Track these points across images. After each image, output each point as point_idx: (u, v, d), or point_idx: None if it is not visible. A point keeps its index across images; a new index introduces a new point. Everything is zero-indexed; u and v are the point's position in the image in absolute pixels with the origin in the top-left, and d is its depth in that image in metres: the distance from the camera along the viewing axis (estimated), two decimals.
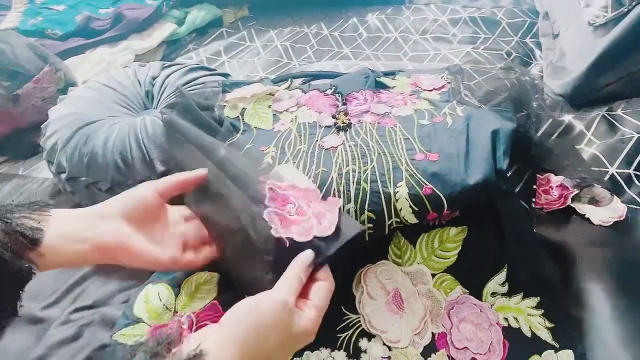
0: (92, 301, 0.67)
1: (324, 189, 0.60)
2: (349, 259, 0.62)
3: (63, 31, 1.34)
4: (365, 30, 1.35)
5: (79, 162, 0.77)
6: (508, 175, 0.72)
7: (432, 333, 0.58)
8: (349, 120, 0.73)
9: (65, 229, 0.43)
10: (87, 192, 0.79)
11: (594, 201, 0.70)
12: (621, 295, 0.59)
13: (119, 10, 1.37)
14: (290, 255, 0.47)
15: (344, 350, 0.58)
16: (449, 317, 0.59)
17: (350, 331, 0.59)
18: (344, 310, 0.60)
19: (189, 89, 0.89)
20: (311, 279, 0.46)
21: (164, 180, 0.54)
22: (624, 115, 0.82)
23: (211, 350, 0.35)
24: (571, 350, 0.55)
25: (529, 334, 0.57)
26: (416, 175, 0.61)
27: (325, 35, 1.36)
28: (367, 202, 0.59)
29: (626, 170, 0.74)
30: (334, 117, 0.75)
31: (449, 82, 0.83)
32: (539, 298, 0.59)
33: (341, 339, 0.58)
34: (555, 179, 0.72)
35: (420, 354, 0.57)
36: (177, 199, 0.57)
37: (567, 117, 0.85)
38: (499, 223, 0.63)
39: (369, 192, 0.60)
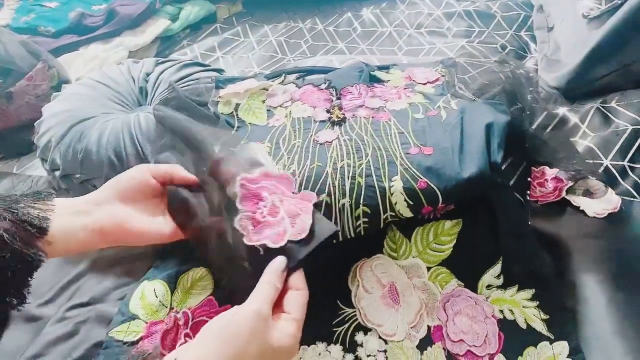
0: (88, 298, 0.67)
1: (319, 184, 0.60)
2: (343, 253, 0.62)
3: (56, 28, 1.33)
4: (359, 25, 1.35)
5: (73, 159, 0.77)
6: (502, 168, 0.72)
7: (428, 326, 0.58)
8: (344, 114, 0.73)
9: (68, 217, 0.45)
10: (81, 189, 0.79)
11: (588, 193, 0.70)
12: (615, 287, 0.60)
13: (112, 6, 1.35)
14: (265, 261, 0.47)
15: (340, 344, 0.58)
16: (445, 310, 0.59)
17: (346, 325, 0.59)
18: (340, 304, 0.60)
19: (182, 85, 0.89)
20: (286, 286, 0.45)
21: (160, 167, 0.55)
22: (618, 108, 0.82)
23: None
24: (566, 342, 0.55)
25: (524, 326, 0.57)
26: (411, 169, 0.61)
27: (320, 30, 1.35)
28: (362, 196, 0.59)
29: (620, 162, 0.74)
30: (328, 111, 0.74)
31: (443, 76, 0.82)
32: (533, 290, 0.60)
33: (337, 332, 0.58)
34: (550, 172, 0.73)
35: (416, 347, 0.57)
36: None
37: (562, 110, 0.85)
38: (494, 216, 0.63)
39: (364, 186, 0.60)
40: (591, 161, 0.75)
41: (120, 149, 0.76)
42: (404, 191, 0.59)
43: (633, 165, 0.74)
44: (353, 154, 0.64)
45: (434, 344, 0.57)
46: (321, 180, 0.60)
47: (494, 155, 0.62)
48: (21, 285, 0.40)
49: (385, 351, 0.57)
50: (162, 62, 0.97)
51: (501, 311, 0.59)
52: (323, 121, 0.73)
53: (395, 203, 0.59)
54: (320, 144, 0.67)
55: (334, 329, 0.59)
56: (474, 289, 0.61)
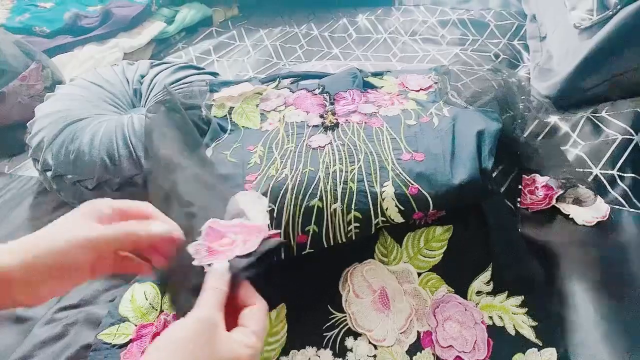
0: (77, 300, 0.67)
1: (311, 188, 0.60)
2: (334, 258, 0.62)
3: (50, 28, 1.33)
4: (355, 31, 1.35)
5: (65, 160, 0.77)
6: (493, 175, 0.73)
7: (418, 332, 0.58)
8: (337, 119, 0.73)
9: None
10: (73, 190, 0.79)
11: (578, 201, 0.71)
12: (604, 295, 0.60)
13: (107, 8, 1.36)
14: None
15: (330, 349, 0.58)
16: (435, 315, 0.59)
17: (337, 330, 0.59)
18: (330, 309, 0.60)
19: (176, 87, 0.89)
20: (240, 306, 0.41)
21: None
22: (609, 117, 0.83)
23: None
24: (554, 349, 0.56)
25: (513, 332, 0.58)
26: (402, 174, 0.61)
27: (315, 35, 1.36)
28: (353, 201, 0.59)
29: (610, 171, 0.75)
30: (321, 116, 0.75)
31: (436, 83, 0.83)
32: (523, 297, 0.60)
33: (327, 337, 0.58)
34: (541, 180, 0.73)
35: (406, 352, 0.57)
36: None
37: (553, 119, 0.86)
38: (485, 222, 0.64)
39: (355, 191, 0.60)
40: (581, 170, 0.76)
41: (113, 150, 0.76)
42: (395, 197, 0.59)
43: (622, 174, 0.74)
44: (345, 159, 0.64)
45: (424, 349, 0.57)
46: (313, 185, 0.60)
47: (485, 162, 0.63)
48: None
49: (375, 356, 0.57)
50: (157, 65, 0.97)
51: (490, 317, 0.59)
52: (316, 126, 0.73)
53: (387, 208, 0.59)
54: (313, 148, 0.68)
55: (324, 334, 0.59)
56: (464, 295, 0.61)
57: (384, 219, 0.59)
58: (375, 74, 0.88)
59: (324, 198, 0.59)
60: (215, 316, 0.37)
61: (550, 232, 0.69)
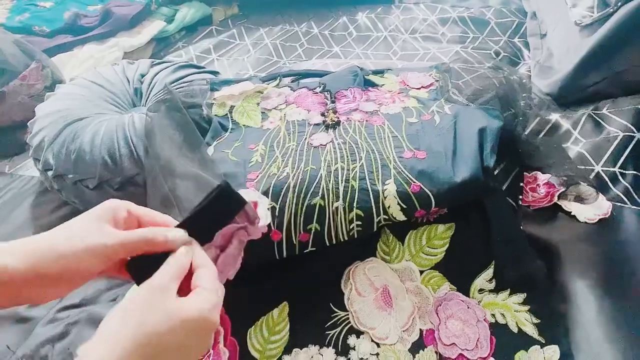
0: (79, 300, 0.67)
1: (313, 186, 0.60)
2: (336, 256, 0.62)
3: (50, 28, 1.33)
4: (355, 29, 1.35)
5: (66, 160, 0.77)
6: (495, 172, 0.73)
7: (420, 329, 0.58)
8: (338, 118, 0.73)
9: None
10: (74, 190, 0.79)
11: (579, 199, 0.71)
12: (606, 292, 0.60)
13: (107, 7, 1.35)
14: None
15: (333, 347, 0.58)
16: (437, 313, 0.59)
17: (339, 328, 0.59)
18: (333, 308, 0.60)
19: (177, 86, 0.89)
20: (191, 272, 0.39)
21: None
22: (610, 115, 0.83)
23: None
24: (557, 346, 0.56)
25: (515, 330, 0.58)
26: (404, 172, 0.61)
27: (315, 33, 1.36)
28: (355, 199, 0.59)
29: (611, 169, 0.75)
30: (322, 115, 0.75)
31: (437, 81, 0.83)
32: (525, 294, 0.60)
33: (330, 335, 0.58)
34: (542, 177, 0.73)
35: (409, 350, 0.57)
36: None
37: (554, 116, 0.86)
38: (487, 220, 0.64)
39: (357, 189, 0.60)
40: (583, 167, 0.76)
41: (114, 149, 0.76)
42: (397, 195, 0.59)
43: (624, 171, 0.74)
44: (347, 157, 0.64)
45: (426, 347, 0.57)
46: (315, 183, 0.60)
47: (487, 160, 0.63)
48: None
49: (377, 354, 0.57)
50: (157, 64, 0.97)
51: (493, 315, 0.59)
52: (317, 124, 0.73)
53: (389, 206, 0.59)
54: (315, 147, 0.68)
55: (327, 332, 0.59)
56: (466, 292, 0.61)
57: (386, 217, 0.59)
58: (376, 72, 0.88)
59: (326, 196, 0.59)
60: (168, 284, 0.35)
61: (552, 230, 0.69)
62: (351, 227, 0.59)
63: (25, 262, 0.34)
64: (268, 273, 0.63)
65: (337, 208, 0.59)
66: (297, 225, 0.59)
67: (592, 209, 0.69)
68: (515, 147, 0.75)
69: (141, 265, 0.37)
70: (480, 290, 0.61)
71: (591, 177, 0.74)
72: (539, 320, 0.58)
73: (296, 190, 0.60)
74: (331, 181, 0.61)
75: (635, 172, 0.74)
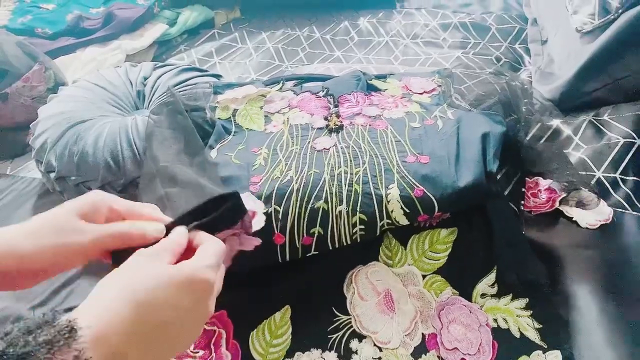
0: (80, 302, 0.66)
1: (316, 190, 0.60)
2: (339, 260, 0.62)
3: (53, 30, 1.33)
4: (356, 34, 1.36)
5: (69, 161, 0.77)
6: (497, 177, 0.73)
7: (423, 334, 0.59)
8: (341, 122, 0.74)
9: None
10: (76, 192, 0.79)
11: (581, 204, 0.71)
12: (607, 297, 0.61)
13: (110, 9, 1.36)
14: None
15: (335, 351, 0.58)
16: (440, 318, 0.59)
17: (341, 332, 0.59)
18: (335, 311, 0.60)
19: (180, 89, 0.89)
20: (194, 250, 0.38)
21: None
22: (610, 121, 0.83)
23: (90, 325, 0.28)
24: (559, 351, 0.56)
25: (517, 335, 0.58)
26: (407, 177, 0.61)
27: (317, 38, 1.36)
28: (359, 203, 0.60)
29: (612, 175, 0.75)
30: (326, 119, 0.75)
31: (439, 86, 0.83)
32: (527, 299, 0.60)
33: (332, 339, 0.58)
34: (544, 183, 0.73)
35: (411, 354, 0.57)
36: None
37: (555, 122, 0.87)
38: (489, 225, 0.64)
39: (360, 193, 0.60)
40: (584, 173, 0.76)
41: (117, 151, 0.76)
42: (400, 199, 0.59)
43: (624, 177, 0.75)
44: (350, 161, 0.65)
45: (429, 351, 0.57)
46: (318, 187, 0.61)
47: (490, 165, 0.63)
48: None
49: (380, 358, 0.57)
50: (160, 67, 0.97)
51: (495, 320, 0.59)
52: (321, 128, 0.73)
53: (392, 211, 0.59)
54: (318, 150, 0.68)
55: (329, 336, 0.59)
56: (468, 297, 0.61)
57: (389, 221, 0.59)
58: (378, 77, 0.88)
59: (329, 200, 0.60)
60: (158, 252, 0.35)
61: (554, 235, 0.69)
62: (354, 231, 0.60)
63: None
64: (271, 276, 0.63)
65: (340, 212, 0.59)
66: (301, 229, 0.59)
67: (593, 215, 0.70)
68: (517, 153, 0.76)
69: (126, 256, 0.37)
70: (483, 295, 0.61)
71: (592, 182, 0.74)
72: (541, 325, 0.58)
73: (299, 194, 0.60)
74: (334, 185, 0.61)
75: (636, 178, 0.74)
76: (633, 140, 0.78)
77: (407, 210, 0.59)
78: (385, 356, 0.57)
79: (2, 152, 1.04)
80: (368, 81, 0.86)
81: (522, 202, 0.73)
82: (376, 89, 0.85)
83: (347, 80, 0.85)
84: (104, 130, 0.78)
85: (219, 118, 0.79)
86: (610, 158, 0.77)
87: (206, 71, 1.00)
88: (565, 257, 0.66)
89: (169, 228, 0.39)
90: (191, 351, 0.57)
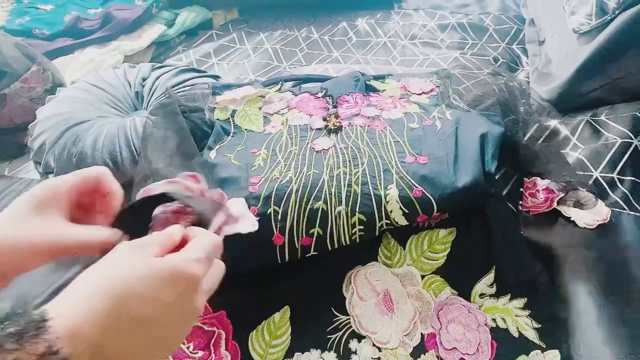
0: None
1: (316, 191, 0.60)
2: (338, 260, 0.63)
3: (50, 31, 1.33)
4: (354, 35, 1.36)
5: (67, 162, 0.77)
6: (496, 178, 0.73)
7: (422, 334, 0.59)
8: (340, 123, 0.74)
9: None
10: None
11: (579, 204, 0.71)
12: (605, 296, 0.61)
13: (108, 10, 1.36)
14: None
15: (334, 352, 0.58)
16: (438, 318, 0.60)
17: (341, 332, 0.59)
18: (334, 312, 0.61)
19: (179, 90, 0.89)
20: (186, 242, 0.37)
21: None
22: (608, 121, 0.84)
23: (62, 314, 0.27)
24: (557, 350, 0.56)
25: (516, 335, 0.58)
26: (406, 177, 0.61)
27: (315, 38, 1.36)
28: (358, 204, 0.60)
29: (610, 175, 0.75)
30: (324, 119, 0.75)
31: (437, 86, 0.84)
32: (526, 299, 0.60)
33: (331, 340, 0.59)
34: (542, 183, 0.74)
35: (410, 354, 0.57)
36: None
37: (553, 122, 0.87)
38: (487, 225, 0.64)
39: (359, 194, 0.60)
40: (581, 173, 0.76)
41: (115, 152, 0.76)
42: (399, 199, 0.59)
43: (622, 177, 0.75)
44: (349, 162, 0.65)
45: (428, 351, 0.57)
46: (317, 188, 0.61)
47: (488, 165, 0.63)
48: None
49: (379, 359, 0.57)
50: (159, 67, 0.97)
51: (494, 319, 0.59)
52: (319, 129, 0.74)
53: (391, 211, 0.59)
54: (317, 151, 0.68)
55: (329, 336, 0.59)
56: (467, 297, 0.61)
57: (388, 221, 0.60)
58: (377, 78, 0.89)
59: (328, 201, 0.60)
60: (143, 246, 0.33)
61: (552, 235, 0.69)
62: (353, 231, 0.60)
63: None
64: (270, 277, 0.63)
65: (339, 212, 0.59)
66: (300, 230, 0.59)
67: (591, 215, 0.70)
68: (515, 153, 0.76)
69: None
70: (481, 295, 0.61)
71: (590, 183, 0.75)
72: (540, 325, 0.58)
73: (299, 194, 0.60)
74: (334, 186, 0.61)
75: (633, 178, 0.75)
76: (630, 141, 0.78)
77: (406, 211, 0.59)
78: (384, 356, 0.57)
79: (1, 154, 1.04)
80: (366, 82, 0.86)
81: (521, 202, 0.73)
82: (375, 90, 0.85)
83: (346, 81, 0.85)
84: (102, 131, 0.78)
85: (217, 119, 0.79)
86: (607, 158, 0.77)
87: (204, 72, 1.00)
88: (563, 257, 0.66)
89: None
90: (191, 352, 0.57)
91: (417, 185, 0.60)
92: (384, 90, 0.84)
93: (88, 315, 0.27)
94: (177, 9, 1.48)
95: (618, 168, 0.76)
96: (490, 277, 0.62)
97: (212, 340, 0.58)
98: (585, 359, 0.56)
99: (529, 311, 0.60)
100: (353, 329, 0.59)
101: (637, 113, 0.82)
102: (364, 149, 0.67)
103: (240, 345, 0.58)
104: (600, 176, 0.76)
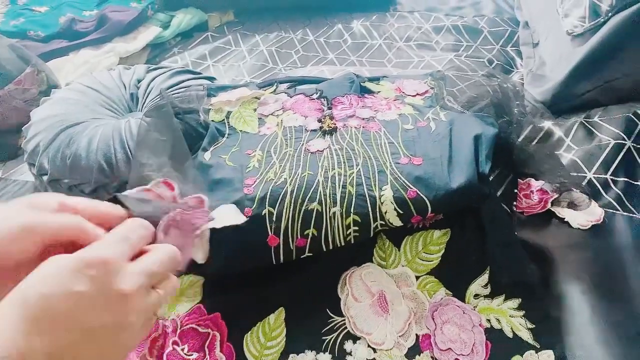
0: None
1: (310, 192, 0.60)
2: (332, 261, 0.63)
3: (45, 33, 1.33)
4: (350, 37, 1.36)
5: (61, 164, 0.77)
6: (490, 179, 0.74)
7: (416, 335, 0.59)
8: (335, 124, 0.74)
9: None
10: (69, 195, 0.78)
11: (572, 205, 0.72)
12: (599, 296, 0.61)
13: (103, 12, 1.36)
14: None
15: (329, 353, 0.58)
16: (433, 318, 0.60)
17: (336, 334, 0.59)
18: (329, 313, 0.61)
19: (174, 92, 0.89)
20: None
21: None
22: (601, 122, 0.84)
23: None
24: (551, 351, 0.56)
25: (510, 335, 0.58)
26: (401, 178, 0.62)
27: (311, 40, 1.37)
28: (352, 205, 0.60)
29: (603, 175, 0.76)
30: (319, 121, 0.75)
31: (432, 88, 0.84)
32: (520, 300, 0.61)
33: (326, 341, 0.59)
34: (536, 184, 0.74)
35: (405, 355, 0.57)
36: None
37: (547, 124, 0.87)
38: (481, 226, 0.64)
39: (354, 195, 0.60)
40: (575, 174, 0.77)
41: (110, 154, 0.76)
42: (394, 200, 0.59)
43: (615, 178, 0.75)
44: (344, 163, 0.65)
45: (422, 352, 0.57)
46: (312, 189, 0.61)
47: (482, 166, 0.64)
48: None
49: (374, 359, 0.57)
50: (154, 69, 0.97)
51: (488, 320, 0.60)
52: (314, 130, 0.74)
53: (386, 212, 0.59)
54: (312, 152, 0.68)
55: (323, 338, 0.59)
56: (461, 298, 0.61)
57: (383, 222, 0.60)
58: (372, 79, 0.89)
59: (323, 202, 0.60)
60: (89, 255, 0.31)
61: (546, 236, 0.70)
62: (348, 232, 0.60)
63: None
64: (265, 278, 0.63)
65: (334, 213, 0.59)
66: (295, 231, 0.59)
67: (584, 215, 0.70)
68: (509, 154, 0.76)
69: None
70: (476, 296, 0.61)
71: (583, 183, 0.75)
72: (534, 325, 0.59)
73: (294, 195, 0.60)
74: (328, 187, 0.61)
75: (626, 179, 0.75)
76: (623, 142, 0.79)
77: (401, 212, 0.59)
78: (379, 357, 0.57)
79: None
80: (361, 83, 0.86)
81: (515, 203, 0.73)
82: (369, 91, 0.85)
83: (341, 83, 0.85)
84: (97, 133, 0.78)
85: (212, 120, 0.79)
86: (601, 159, 0.78)
87: (200, 74, 1.00)
88: (557, 258, 0.66)
89: None
90: (185, 354, 0.57)
91: (411, 186, 0.60)
92: (379, 91, 0.85)
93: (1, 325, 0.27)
94: (173, 10, 1.47)
95: (611, 169, 0.77)
96: (484, 277, 0.62)
97: (207, 342, 0.58)
98: (579, 359, 0.56)
99: (523, 311, 0.60)
100: (348, 330, 0.59)
101: (630, 114, 0.83)
102: (359, 150, 0.67)
103: (235, 347, 0.58)
104: (594, 177, 0.76)
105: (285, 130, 0.75)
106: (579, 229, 0.69)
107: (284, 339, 0.59)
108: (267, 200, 0.60)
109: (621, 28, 0.84)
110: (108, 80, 0.93)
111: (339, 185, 0.61)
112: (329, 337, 0.59)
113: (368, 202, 0.60)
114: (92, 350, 0.30)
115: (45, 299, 0.28)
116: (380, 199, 0.60)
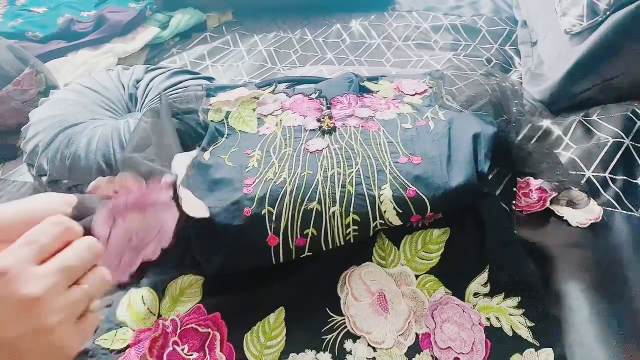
0: None
1: (310, 191, 0.61)
2: (332, 261, 0.63)
3: (44, 33, 1.32)
4: (348, 36, 1.36)
5: (60, 165, 0.77)
6: (489, 178, 0.74)
7: (416, 333, 0.59)
8: (334, 123, 0.74)
9: None
10: None
11: (571, 204, 0.72)
12: (598, 295, 0.61)
13: (101, 13, 1.35)
14: None
15: (329, 352, 0.58)
16: (433, 317, 0.60)
17: (335, 333, 0.59)
18: (329, 312, 0.61)
19: (172, 92, 0.89)
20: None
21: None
22: (600, 121, 0.85)
23: None
24: (551, 349, 0.56)
25: (510, 333, 0.58)
26: (400, 177, 0.62)
27: (309, 40, 1.37)
28: (352, 204, 0.60)
29: (602, 174, 0.76)
30: (318, 120, 0.75)
31: (431, 87, 0.84)
32: (519, 298, 0.61)
33: (326, 340, 0.59)
34: (535, 182, 0.74)
35: (405, 354, 0.57)
36: None
37: (546, 122, 0.88)
38: (481, 225, 0.65)
39: (353, 194, 0.61)
40: (574, 172, 0.77)
41: (109, 155, 0.76)
42: (393, 199, 0.60)
43: (614, 176, 0.76)
44: (343, 162, 0.65)
45: (422, 351, 0.57)
46: (312, 188, 0.61)
47: (481, 165, 0.64)
48: None
49: (374, 359, 0.57)
50: (152, 69, 0.97)
51: (488, 319, 0.60)
52: (313, 130, 0.74)
53: (385, 211, 0.60)
54: (311, 152, 0.68)
55: (323, 337, 0.59)
56: (461, 296, 0.61)
57: (382, 221, 0.60)
58: (370, 79, 0.89)
59: (323, 201, 0.60)
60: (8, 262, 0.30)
61: (545, 234, 0.70)
62: (347, 231, 0.60)
63: None
64: (264, 278, 0.63)
65: (333, 213, 0.60)
66: (294, 230, 0.59)
67: (583, 214, 0.71)
68: (508, 153, 0.76)
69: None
70: (475, 294, 0.62)
71: (582, 182, 0.75)
72: (533, 324, 0.59)
73: (293, 195, 0.60)
74: (328, 186, 0.61)
75: (625, 178, 0.76)
76: (622, 140, 0.79)
77: (400, 211, 0.60)
78: (379, 356, 0.57)
79: None
80: (360, 83, 0.86)
81: (514, 201, 0.74)
82: (368, 91, 0.85)
83: (340, 82, 0.85)
84: (96, 134, 0.78)
85: (211, 120, 0.79)
86: (599, 158, 0.78)
87: (198, 74, 1.00)
88: (556, 256, 0.67)
89: None
90: (185, 354, 0.57)
91: (410, 185, 0.61)
92: (378, 91, 0.85)
93: None
94: (171, 11, 1.47)
95: (610, 167, 0.77)
96: (484, 276, 0.62)
97: (207, 342, 0.58)
98: (578, 357, 0.56)
99: (523, 310, 0.60)
100: (348, 329, 0.59)
101: (629, 113, 0.83)
102: (358, 149, 0.67)
103: (235, 347, 0.58)
104: (593, 175, 0.76)
105: (285, 130, 0.75)
106: (577, 227, 0.69)
107: (284, 339, 0.59)
108: (267, 200, 0.60)
109: (619, 26, 0.84)
110: (107, 81, 0.93)
111: (338, 185, 0.61)
112: (329, 337, 0.59)
113: (367, 201, 0.60)
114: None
115: None
116: (379, 198, 0.60)
